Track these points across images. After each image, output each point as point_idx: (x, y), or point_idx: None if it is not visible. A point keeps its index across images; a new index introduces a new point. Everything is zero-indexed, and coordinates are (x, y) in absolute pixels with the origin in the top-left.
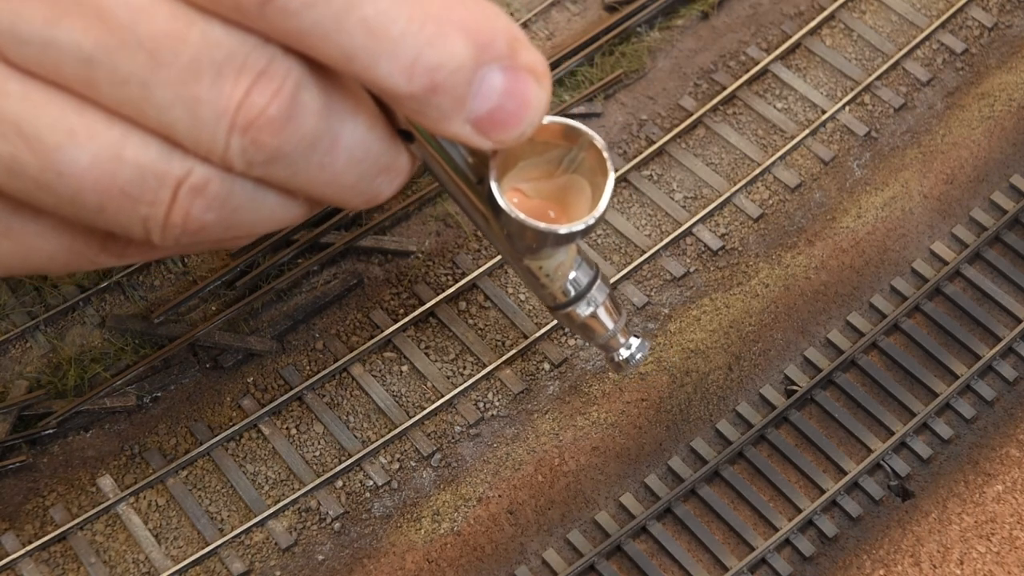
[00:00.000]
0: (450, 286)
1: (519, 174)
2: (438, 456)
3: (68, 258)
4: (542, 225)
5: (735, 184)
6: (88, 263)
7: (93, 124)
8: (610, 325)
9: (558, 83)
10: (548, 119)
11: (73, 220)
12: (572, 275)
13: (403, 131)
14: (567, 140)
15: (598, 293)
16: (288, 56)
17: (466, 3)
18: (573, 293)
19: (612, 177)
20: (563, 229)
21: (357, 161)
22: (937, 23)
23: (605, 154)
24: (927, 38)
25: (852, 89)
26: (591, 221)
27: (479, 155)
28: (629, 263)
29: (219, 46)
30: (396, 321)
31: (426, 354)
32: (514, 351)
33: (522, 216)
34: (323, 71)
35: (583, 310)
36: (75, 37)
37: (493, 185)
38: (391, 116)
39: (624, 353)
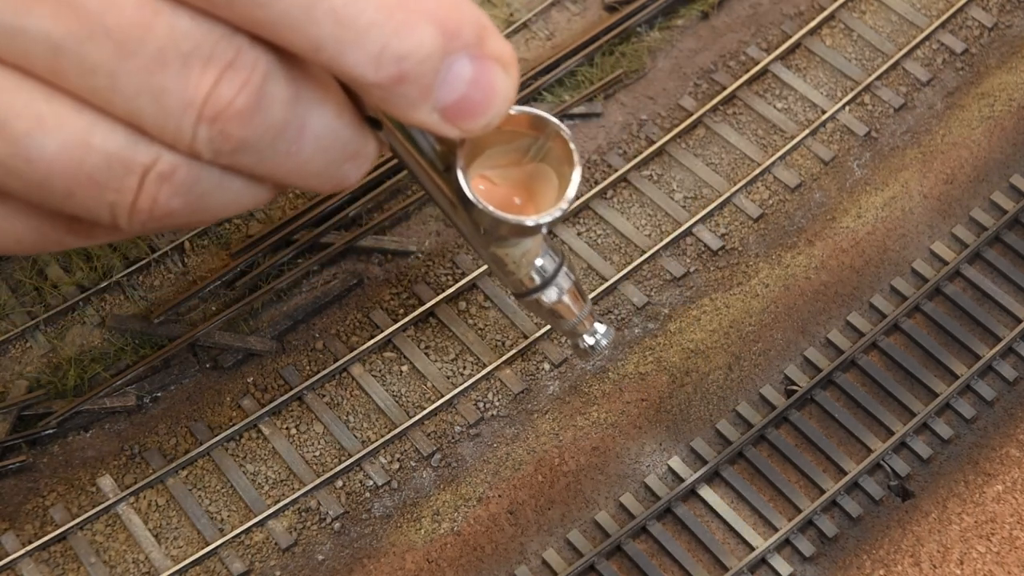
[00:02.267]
0: (450, 286)
1: (486, 161)
2: (438, 456)
3: (35, 240)
4: (509, 216)
5: (735, 184)
6: (55, 244)
7: (61, 112)
8: (576, 311)
9: (558, 83)
10: (515, 109)
11: (41, 204)
12: (539, 262)
13: (371, 118)
14: (534, 129)
15: (564, 280)
16: (256, 46)
17: None
18: (539, 280)
19: (578, 169)
20: (530, 221)
21: (324, 148)
22: (937, 23)
23: (572, 145)
24: (927, 38)
25: (852, 89)
26: (557, 213)
27: (447, 143)
28: (629, 263)
29: (186, 36)
30: (396, 321)
31: (426, 354)
32: (514, 351)
33: (490, 208)
34: (290, 60)
35: (549, 296)
36: (44, 25)
37: (460, 174)
38: (358, 103)
39: (589, 340)
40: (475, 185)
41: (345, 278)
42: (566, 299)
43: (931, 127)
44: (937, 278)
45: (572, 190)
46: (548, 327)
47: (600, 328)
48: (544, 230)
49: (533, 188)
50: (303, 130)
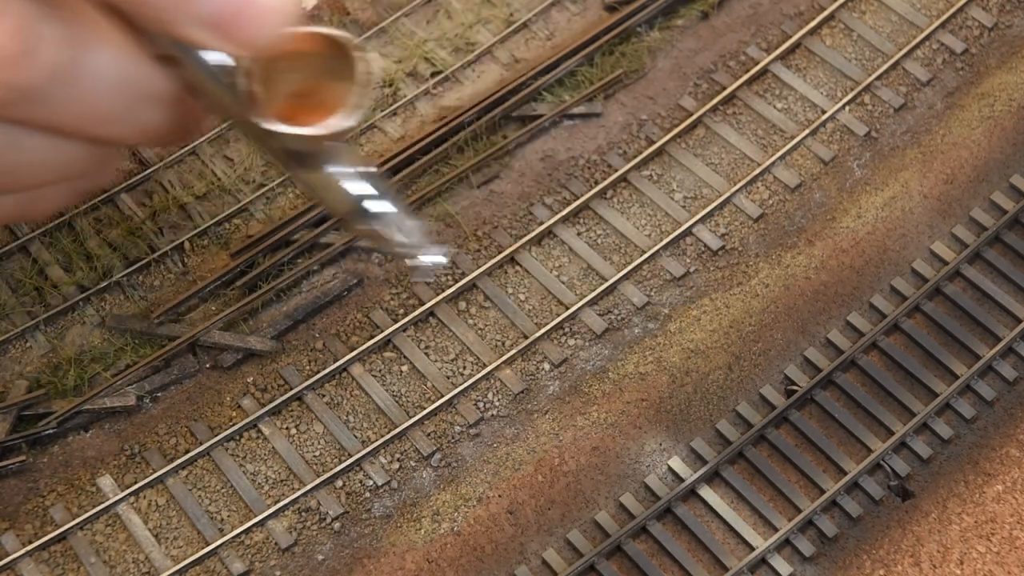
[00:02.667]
0: (450, 286)
1: (289, 85)
2: (438, 456)
3: None
4: (290, 129)
5: (735, 184)
6: None
7: None
8: (401, 229)
9: (558, 83)
10: (312, 29)
11: None
12: (353, 183)
13: (163, 56)
14: (330, 49)
15: (381, 199)
16: None
17: None
18: (356, 201)
19: (367, 79)
20: (313, 131)
21: (114, 90)
22: (937, 23)
23: (358, 57)
24: (927, 38)
25: (852, 89)
26: (344, 124)
27: (241, 71)
28: (629, 263)
29: None
30: (396, 321)
31: (426, 354)
32: (514, 351)
33: (278, 125)
34: (59, 2)
35: (370, 216)
36: None
37: (251, 96)
38: (149, 41)
39: (423, 259)
40: (281, 110)
41: (345, 278)
42: (388, 217)
43: (931, 127)
44: (937, 278)
45: (360, 102)
46: (548, 328)
47: (431, 246)
48: (339, 143)
49: (338, 109)
50: (84, 71)
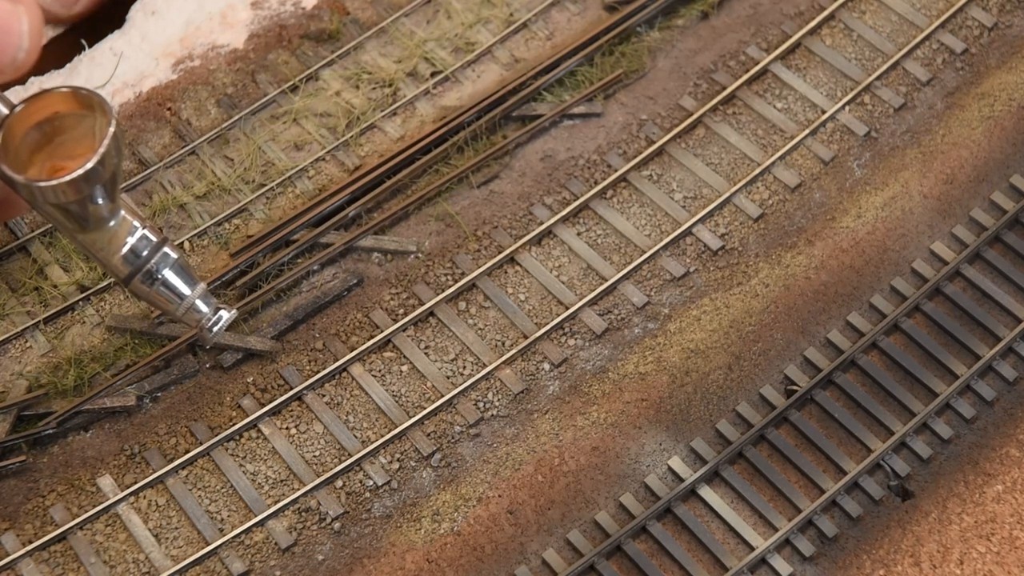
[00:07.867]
0: (450, 286)
1: (68, 150)
2: (438, 456)
3: None
4: (14, 175)
5: (735, 184)
6: None
7: None
8: (184, 293)
9: (558, 83)
10: (61, 87)
11: None
12: (130, 245)
13: None
14: (86, 108)
15: (162, 262)
16: None
17: None
18: (132, 266)
19: (111, 130)
20: (45, 181)
21: None
22: (937, 23)
23: (100, 110)
24: (927, 38)
25: (852, 89)
26: (76, 174)
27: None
28: (629, 263)
29: None
30: (396, 321)
31: (426, 354)
32: (514, 351)
33: (11, 173)
34: None
35: (148, 281)
36: None
37: None
38: None
39: (205, 323)
40: (39, 166)
41: (345, 278)
42: (169, 281)
43: (931, 127)
44: (937, 278)
45: (99, 150)
46: (548, 328)
47: (213, 311)
48: (78, 194)
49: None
50: None
